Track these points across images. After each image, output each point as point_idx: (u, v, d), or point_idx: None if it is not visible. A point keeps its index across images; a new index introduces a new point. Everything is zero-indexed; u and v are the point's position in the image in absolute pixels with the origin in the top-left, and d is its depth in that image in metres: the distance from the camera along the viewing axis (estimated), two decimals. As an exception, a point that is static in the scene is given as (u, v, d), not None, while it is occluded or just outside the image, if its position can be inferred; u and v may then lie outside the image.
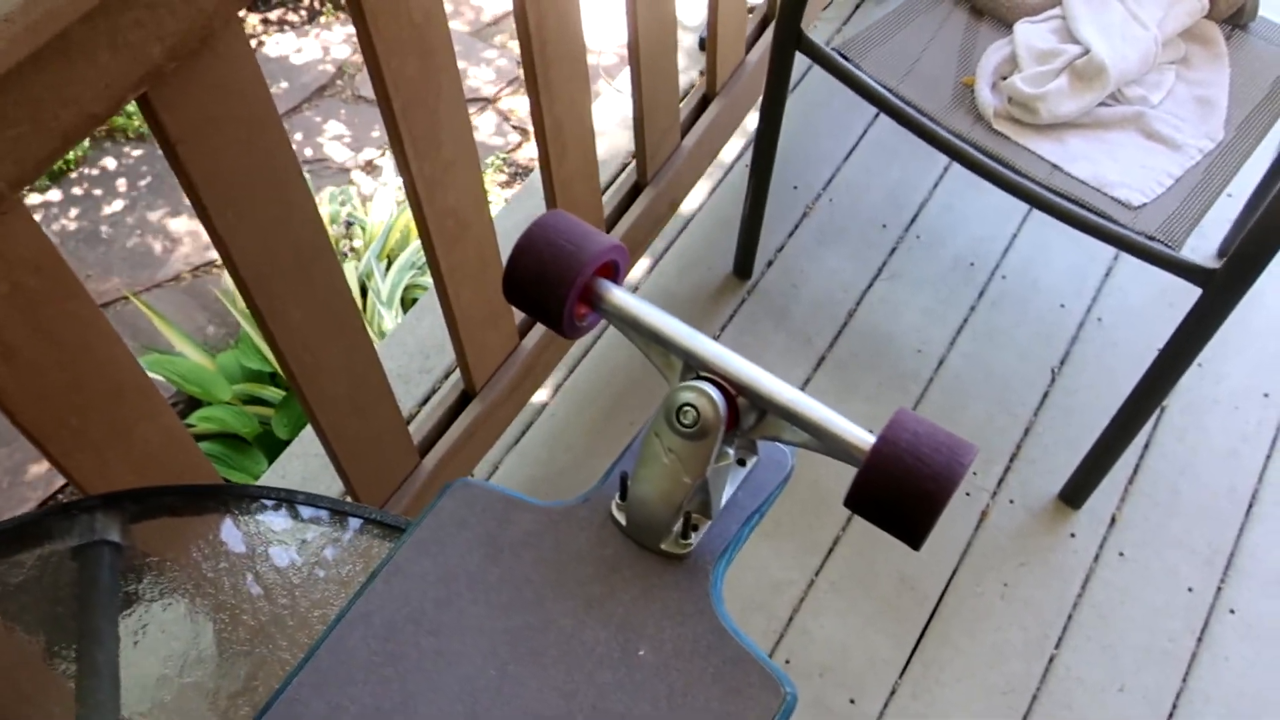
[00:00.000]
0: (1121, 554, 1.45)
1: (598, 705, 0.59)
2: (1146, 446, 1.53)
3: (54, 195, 2.95)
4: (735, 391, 0.62)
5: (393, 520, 0.69)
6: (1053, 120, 1.25)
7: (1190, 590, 1.42)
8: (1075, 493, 1.48)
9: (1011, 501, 1.49)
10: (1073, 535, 1.46)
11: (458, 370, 1.35)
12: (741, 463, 0.68)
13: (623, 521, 0.65)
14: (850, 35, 1.34)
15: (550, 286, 0.63)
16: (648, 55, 1.36)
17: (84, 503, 0.69)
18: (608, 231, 1.48)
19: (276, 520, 0.70)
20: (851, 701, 1.35)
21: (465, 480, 0.67)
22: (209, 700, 0.63)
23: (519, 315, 1.40)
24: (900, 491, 0.56)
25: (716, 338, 1.63)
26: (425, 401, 1.54)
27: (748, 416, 0.63)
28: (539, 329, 1.42)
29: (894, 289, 1.68)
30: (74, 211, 2.94)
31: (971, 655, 1.38)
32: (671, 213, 1.62)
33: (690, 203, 1.78)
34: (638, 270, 1.70)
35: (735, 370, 0.61)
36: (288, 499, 0.70)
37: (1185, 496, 1.49)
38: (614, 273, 0.66)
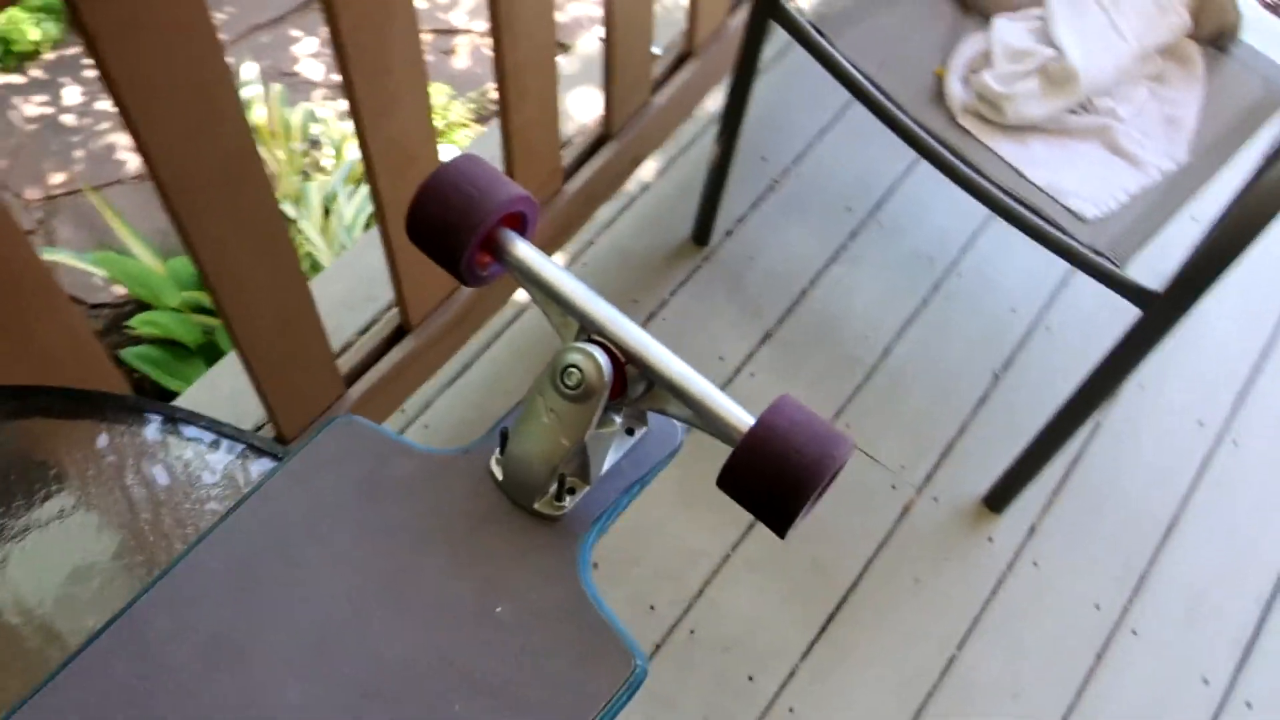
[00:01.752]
0: (1036, 564, 1.46)
1: (446, 656, 0.59)
2: (1076, 460, 1.54)
3: (15, 79, 2.88)
4: (624, 359, 0.60)
5: (272, 448, 0.68)
6: (1019, 121, 1.24)
7: (1097, 607, 1.43)
8: (998, 497, 1.48)
9: (936, 499, 1.50)
10: (990, 539, 1.47)
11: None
12: (630, 432, 0.67)
13: (500, 477, 0.64)
14: (830, 10, 1.32)
15: (452, 232, 0.62)
16: (621, 4, 1.33)
17: (-47, 394, 0.67)
18: (564, 181, 1.46)
19: (155, 435, 0.68)
20: (750, 679, 1.35)
21: (349, 416, 0.66)
22: (61, 607, 0.62)
23: (464, 255, 1.38)
24: (770, 477, 0.55)
25: (665, 302, 1.62)
26: (365, 331, 1.52)
27: (635, 386, 0.62)
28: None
29: (850, 272, 1.67)
30: (38, 98, 2.88)
31: (875, 644, 1.39)
32: (633, 169, 1.60)
33: (657, 162, 1.76)
34: (594, 225, 1.68)
35: (626, 337, 0.60)
36: (169, 415, 0.68)
37: (1107, 514, 1.50)
38: (521, 225, 0.65)
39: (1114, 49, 1.27)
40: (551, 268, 0.63)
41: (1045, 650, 1.39)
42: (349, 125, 2.78)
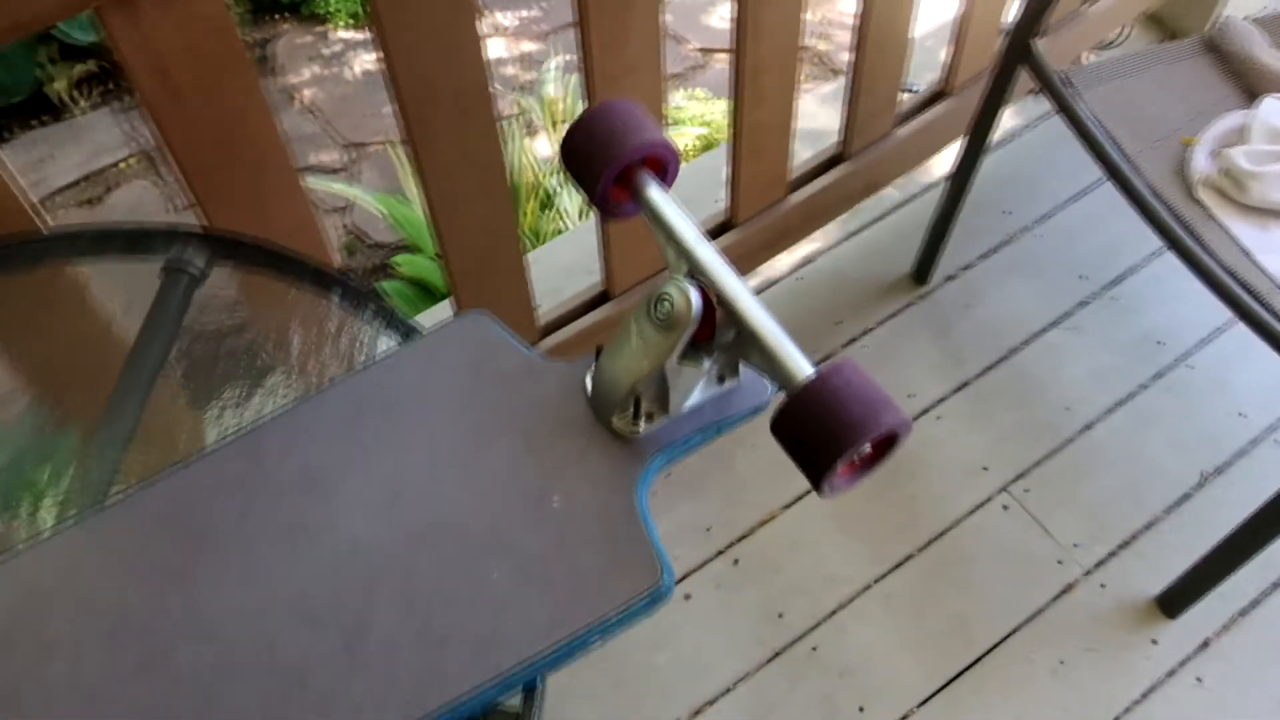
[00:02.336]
0: (1199, 679, 1.35)
1: (497, 529, 0.65)
2: (1277, 585, 1.41)
3: (355, 35, 3.21)
4: (717, 303, 0.64)
5: (419, 328, 0.76)
6: (1261, 204, 1.17)
7: (1259, 742, 1.31)
8: (1175, 600, 1.38)
9: (1103, 586, 1.42)
10: (1154, 642, 1.38)
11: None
12: (721, 380, 0.71)
13: (589, 390, 0.69)
14: (1087, 66, 1.30)
15: (593, 159, 0.68)
16: (876, 24, 1.36)
17: (184, 230, 0.81)
18: (789, 191, 1.50)
19: (335, 303, 0.79)
20: (860, 709, 1.34)
21: (480, 312, 0.74)
22: (200, 416, 0.73)
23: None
24: (813, 428, 0.58)
25: (870, 330, 1.63)
26: (576, 298, 1.62)
27: (725, 331, 0.65)
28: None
29: (1068, 340, 1.61)
30: (370, 55, 3.20)
31: (998, 715, 1.33)
32: (866, 194, 1.61)
33: (897, 195, 1.76)
34: (818, 240, 1.71)
35: (724, 283, 0.64)
36: (348, 287, 0.79)
37: (1296, 649, 1.37)
38: (662, 171, 0.70)
39: (1395, 148, 1.17)
40: (676, 213, 0.68)
41: (1185, 772, 1.29)
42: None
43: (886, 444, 0.60)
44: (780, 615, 1.40)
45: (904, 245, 1.70)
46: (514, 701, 0.64)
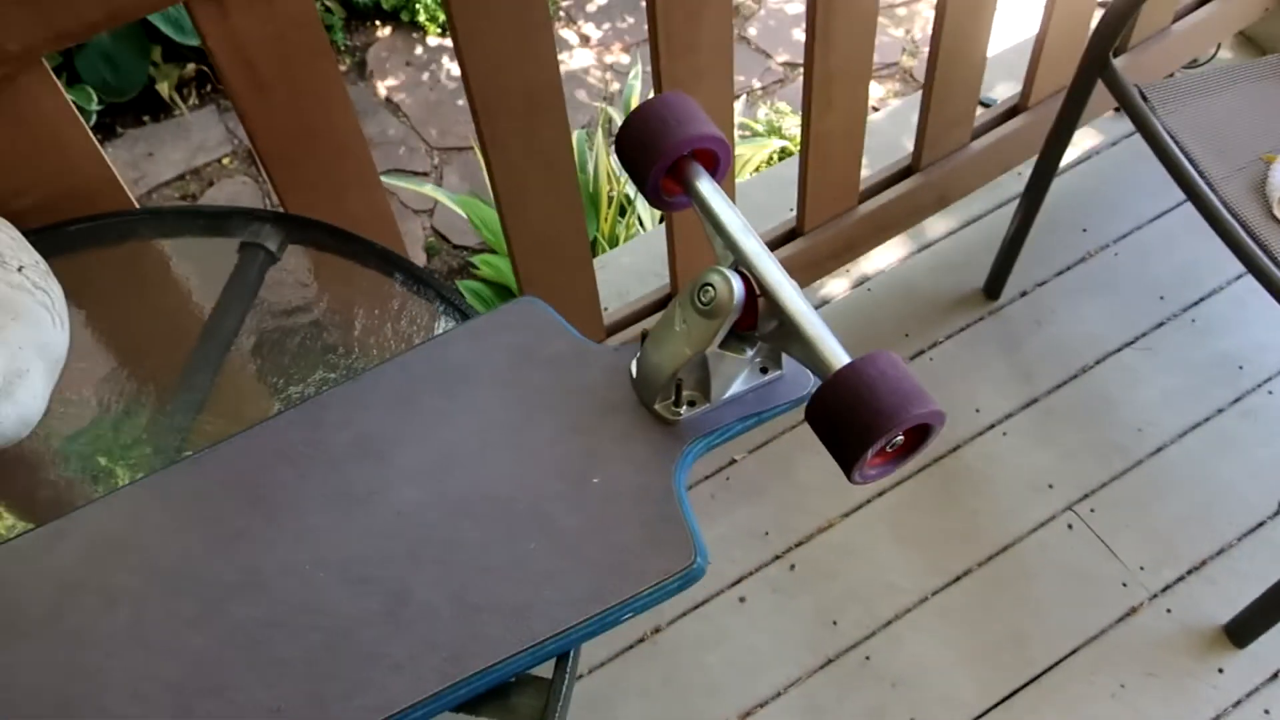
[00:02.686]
0: (1268, 712, 1.31)
1: (538, 504, 0.67)
2: (1352, 620, 1.37)
3: (447, 42, 3.29)
4: (760, 292, 0.66)
5: (473, 312, 0.79)
6: (1343, 224, 1.14)
7: (1328, 780, 1.27)
8: (1245, 629, 1.35)
9: (1169, 611, 1.39)
10: (1220, 670, 1.34)
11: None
12: (764, 371, 0.72)
13: (634, 375, 0.71)
14: (1167, 82, 1.28)
15: (645, 150, 0.70)
16: (951, 35, 1.36)
17: (261, 212, 0.85)
18: (859, 201, 1.50)
19: (396, 285, 0.82)
20: (911, 721, 1.33)
21: (532, 298, 0.76)
22: (266, 386, 0.77)
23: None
24: (845, 414, 0.59)
25: (937, 344, 1.62)
26: (647, 301, 1.64)
27: (766, 322, 0.67)
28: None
29: (1143, 361, 1.58)
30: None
31: (1053, 735, 1.31)
32: (938, 207, 1.60)
33: (972, 210, 1.75)
34: (888, 252, 1.70)
35: (766, 272, 0.66)
36: (412, 272, 0.82)
37: (1371, 687, 1.32)
38: (713, 164, 0.72)
39: None
40: (724, 204, 0.69)
41: (1247, 805, 1.26)
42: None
43: (919, 435, 0.60)
44: (834, 623, 1.40)
45: (976, 260, 1.68)
46: (545, 674, 0.66)
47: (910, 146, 1.54)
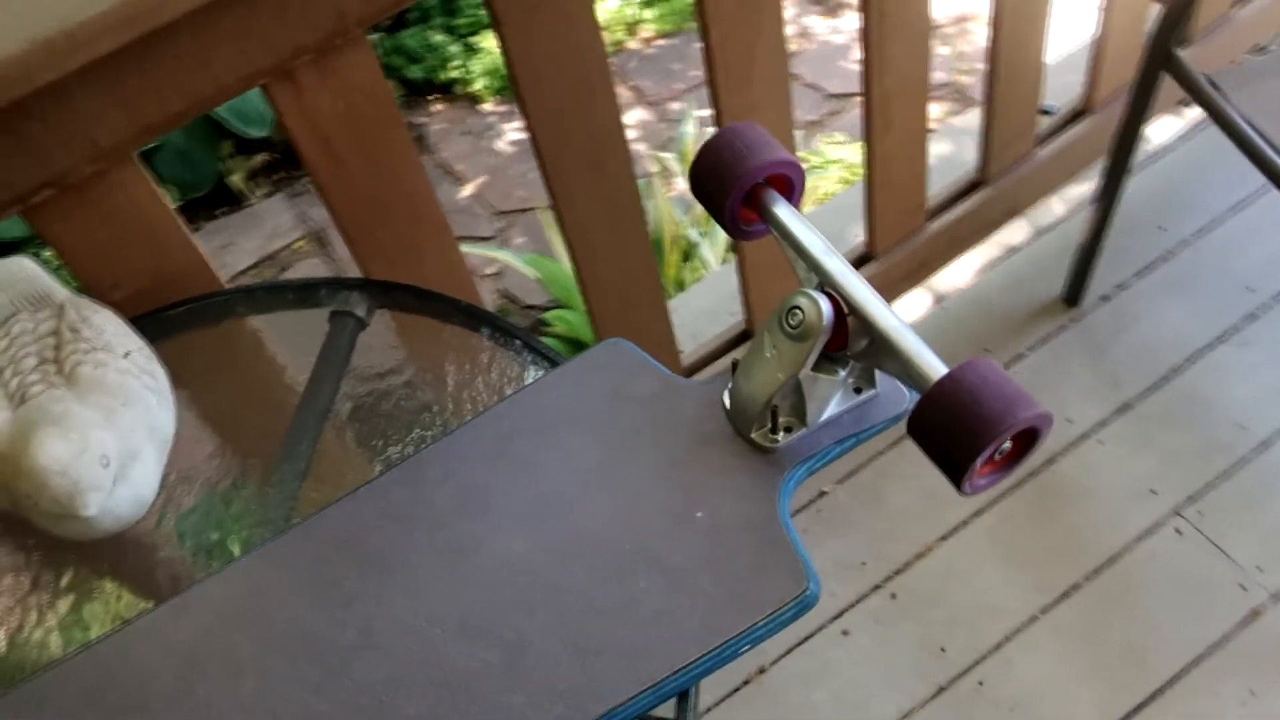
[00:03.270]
0: None
1: (645, 543, 0.67)
2: None
3: (505, 108, 3.36)
4: (848, 311, 0.66)
5: (561, 358, 0.80)
6: None
7: None
8: (1376, 626, 1.29)
9: (1294, 612, 1.33)
10: (1356, 670, 1.28)
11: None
12: (858, 391, 0.71)
13: (728, 406, 0.71)
14: (1234, 68, 1.25)
15: (721, 180, 0.71)
16: (1007, 47, 1.35)
17: (347, 281, 0.87)
18: (927, 219, 1.49)
19: (484, 338, 0.83)
20: (1034, 746, 1.29)
21: (618, 339, 0.77)
22: (365, 449, 0.79)
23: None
24: (950, 425, 0.58)
25: (1020, 357, 1.59)
26: (721, 340, 1.64)
27: (858, 340, 0.66)
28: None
29: (1238, 356, 1.54)
30: (516, 124, 3.34)
31: (1185, 750, 1.26)
32: (1006, 219, 1.59)
33: (1045, 219, 1.73)
34: (961, 271, 1.68)
35: (853, 290, 0.65)
36: (495, 324, 0.83)
37: None
38: (788, 189, 0.72)
39: None
40: (803, 226, 0.69)
41: (1402, 810, 1.19)
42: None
43: (1027, 440, 0.59)
44: (942, 649, 1.37)
45: (1052, 269, 1.66)
46: (665, 714, 0.66)
47: (974, 161, 1.52)
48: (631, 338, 1.28)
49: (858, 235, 1.69)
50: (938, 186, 1.54)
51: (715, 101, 1.13)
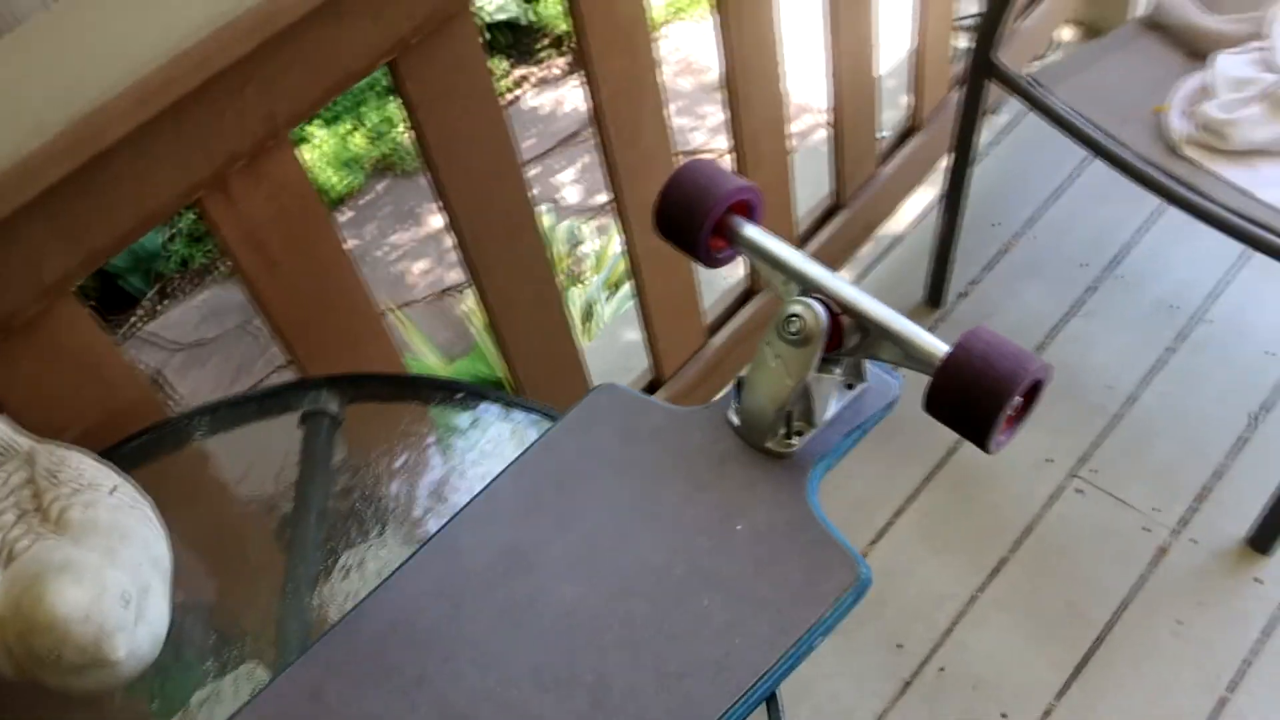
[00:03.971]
0: (1313, 605, 1.39)
1: (695, 563, 0.69)
2: (1353, 500, 1.46)
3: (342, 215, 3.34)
4: (839, 310, 0.70)
5: (550, 411, 0.82)
6: (1245, 147, 1.25)
7: (1389, 650, 1.34)
8: (1264, 537, 1.43)
9: (1194, 541, 1.46)
10: (1258, 580, 1.41)
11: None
12: (850, 387, 0.76)
13: (736, 423, 0.74)
14: (1047, 67, 1.40)
15: (690, 216, 0.75)
16: (846, 79, 1.46)
17: (314, 380, 0.86)
18: (799, 246, 1.58)
19: (463, 407, 0.84)
20: (1003, 716, 1.35)
21: (611, 384, 0.79)
22: (395, 522, 0.78)
23: (709, 316, 1.51)
24: (967, 393, 0.63)
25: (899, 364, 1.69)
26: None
27: (850, 337, 0.71)
28: (727, 331, 1.53)
29: (1089, 326, 1.69)
30: (349, 233, 3.32)
31: (1135, 687, 1.35)
32: (866, 235, 1.70)
33: (892, 230, 1.85)
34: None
35: (839, 290, 0.70)
36: (474, 393, 0.84)
37: (1393, 554, 1.41)
38: (749, 211, 0.77)
39: (1345, 71, 1.27)
40: (776, 242, 0.74)
41: (1329, 695, 1.32)
42: (602, 240, 3.05)
43: (1034, 391, 0.65)
44: (900, 645, 1.42)
45: (912, 277, 1.78)
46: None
47: (828, 187, 1.63)
48: (553, 396, 1.30)
49: (727, 278, 1.76)
50: (800, 213, 1.64)
51: (609, 160, 1.18)
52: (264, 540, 0.80)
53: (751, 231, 0.75)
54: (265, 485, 0.84)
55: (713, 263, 0.77)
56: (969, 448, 1.58)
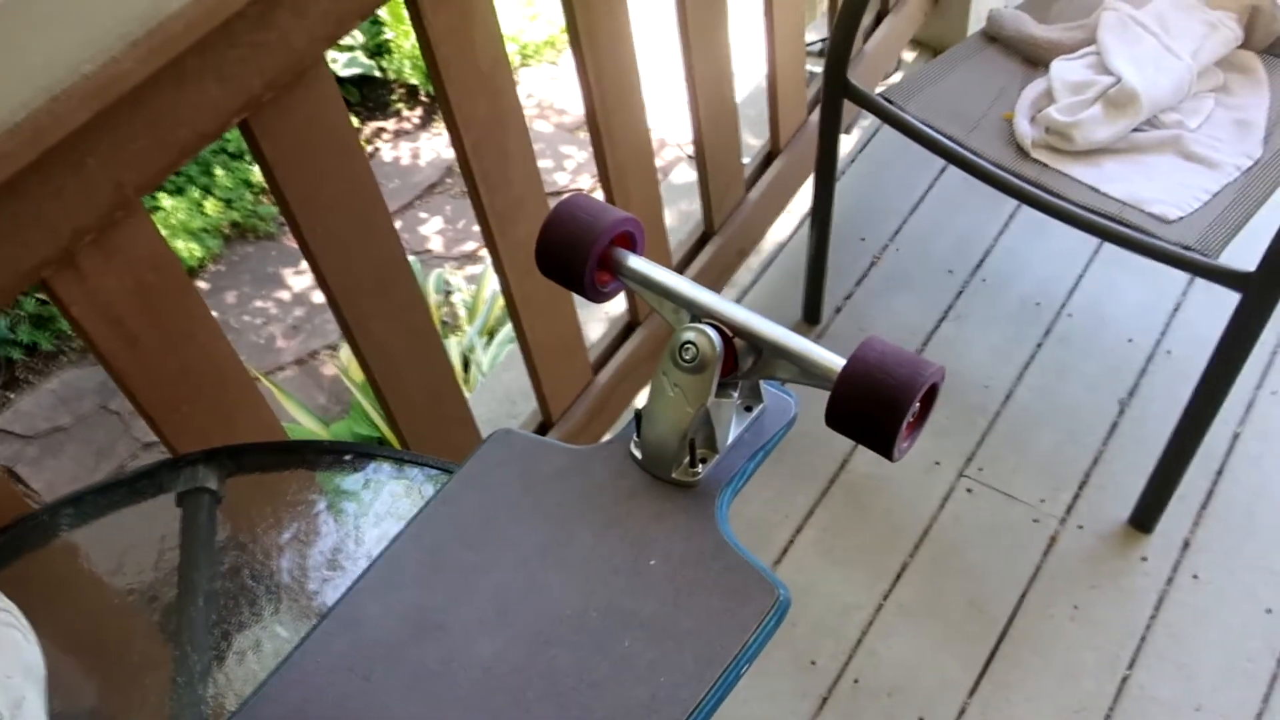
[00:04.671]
0: (1195, 576, 1.44)
1: (612, 603, 0.67)
2: (1220, 473, 1.54)
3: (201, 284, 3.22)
4: (732, 334, 0.70)
5: (445, 465, 0.79)
6: (1088, 146, 1.31)
7: (1269, 611, 1.40)
8: (1145, 517, 1.48)
9: (1081, 527, 1.51)
10: (1144, 559, 1.47)
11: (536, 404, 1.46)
12: (748, 409, 0.76)
13: (639, 456, 0.73)
14: (897, 83, 1.44)
15: (573, 252, 0.73)
16: (708, 108, 1.48)
17: (189, 456, 0.81)
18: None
19: (351, 469, 0.80)
20: (921, 719, 1.37)
21: (507, 429, 0.77)
22: (290, 598, 0.73)
23: (593, 353, 1.50)
24: (868, 403, 0.63)
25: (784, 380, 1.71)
26: (512, 442, 1.64)
27: (746, 358, 0.71)
28: (612, 366, 1.52)
29: (961, 329, 1.74)
30: (208, 302, 3.20)
31: (1042, 675, 1.38)
32: (740, 261, 1.71)
33: (764, 255, 1.87)
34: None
35: (730, 313, 0.70)
36: (361, 451, 0.81)
37: (1261, 520, 1.48)
38: (631, 243, 0.76)
39: (1170, 69, 1.35)
40: (661, 271, 0.73)
41: (1221, 660, 1.37)
42: (474, 287, 3.01)
43: (930, 395, 0.66)
44: (813, 663, 1.43)
45: (788, 297, 1.80)
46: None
47: (698, 216, 1.64)
48: (440, 448, 1.27)
49: (607, 311, 1.76)
50: (673, 244, 1.64)
51: (479, 207, 1.16)
52: (148, 632, 0.75)
53: (636, 263, 0.74)
54: (144, 574, 0.78)
55: (599, 297, 0.76)
56: (859, 461, 1.60)
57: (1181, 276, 1.75)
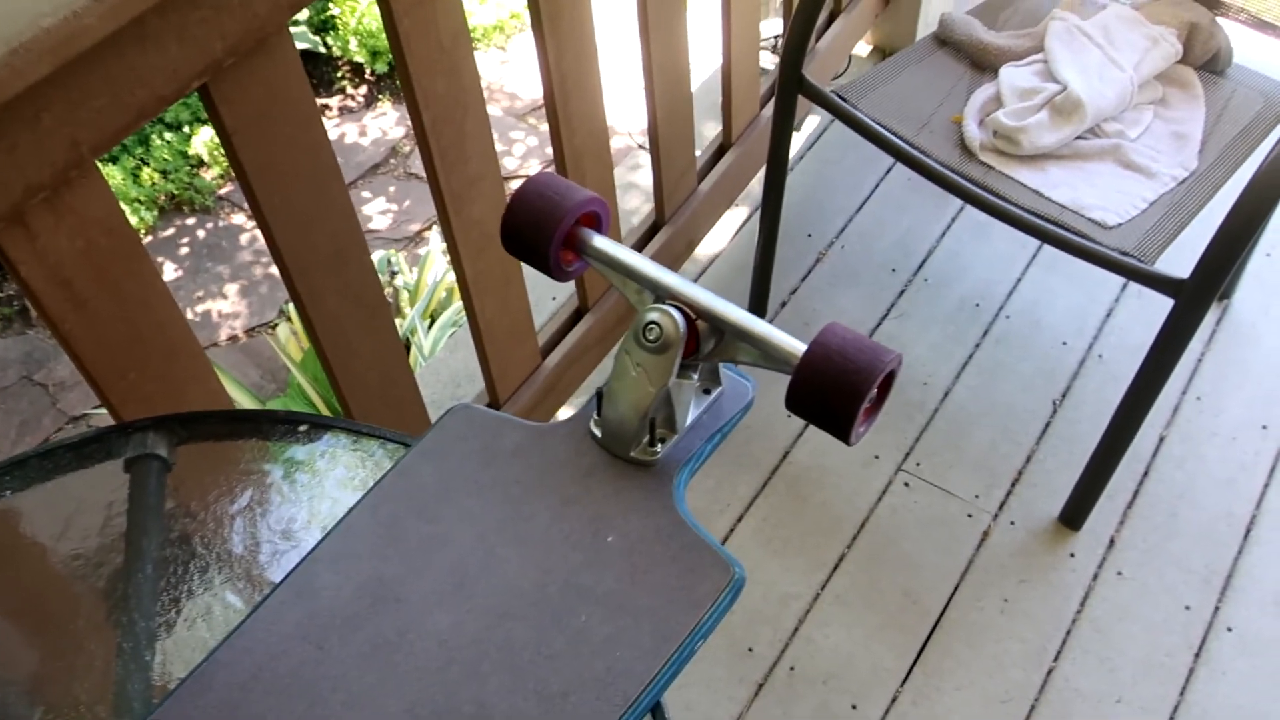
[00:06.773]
0: (1120, 573, 1.49)
1: (569, 580, 0.68)
2: (1146, 474, 1.59)
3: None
4: (695, 316, 0.71)
5: (403, 438, 0.79)
6: (1034, 151, 1.35)
7: (1188, 608, 1.45)
8: (1074, 514, 1.53)
9: (1013, 523, 1.55)
10: (1072, 555, 1.51)
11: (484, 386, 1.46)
12: (707, 392, 0.77)
13: (598, 434, 0.74)
14: (850, 81, 1.46)
15: (539, 231, 0.74)
16: (663, 96, 1.49)
17: (138, 423, 0.80)
18: (627, 263, 1.59)
19: (307, 439, 0.80)
20: (854, 707, 1.39)
21: (466, 404, 0.77)
22: (243, 566, 0.73)
23: (543, 335, 1.50)
24: (828, 388, 0.65)
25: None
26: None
27: (707, 341, 0.72)
28: (561, 349, 1.52)
29: (902, 327, 1.77)
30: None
31: (972, 665, 1.42)
32: (689, 252, 1.73)
33: (712, 247, 1.89)
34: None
35: (694, 295, 0.71)
36: (316, 422, 0.80)
37: (1184, 520, 1.54)
38: (597, 223, 0.77)
39: (1114, 79, 1.39)
40: (626, 252, 0.74)
41: (1142, 654, 1.42)
42: (415, 270, 2.99)
43: (888, 381, 0.67)
44: (750, 650, 1.44)
45: (734, 290, 1.82)
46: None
47: (647, 208, 1.65)
48: (389, 425, 1.26)
49: (555, 298, 1.76)
50: (623, 231, 1.65)
51: (436, 185, 1.15)
52: (93, 599, 0.74)
53: (601, 243, 0.75)
54: (89, 539, 0.77)
55: (563, 276, 0.76)
56: (801, 452, 1.63)
57: (1115, 284, 1.80)
